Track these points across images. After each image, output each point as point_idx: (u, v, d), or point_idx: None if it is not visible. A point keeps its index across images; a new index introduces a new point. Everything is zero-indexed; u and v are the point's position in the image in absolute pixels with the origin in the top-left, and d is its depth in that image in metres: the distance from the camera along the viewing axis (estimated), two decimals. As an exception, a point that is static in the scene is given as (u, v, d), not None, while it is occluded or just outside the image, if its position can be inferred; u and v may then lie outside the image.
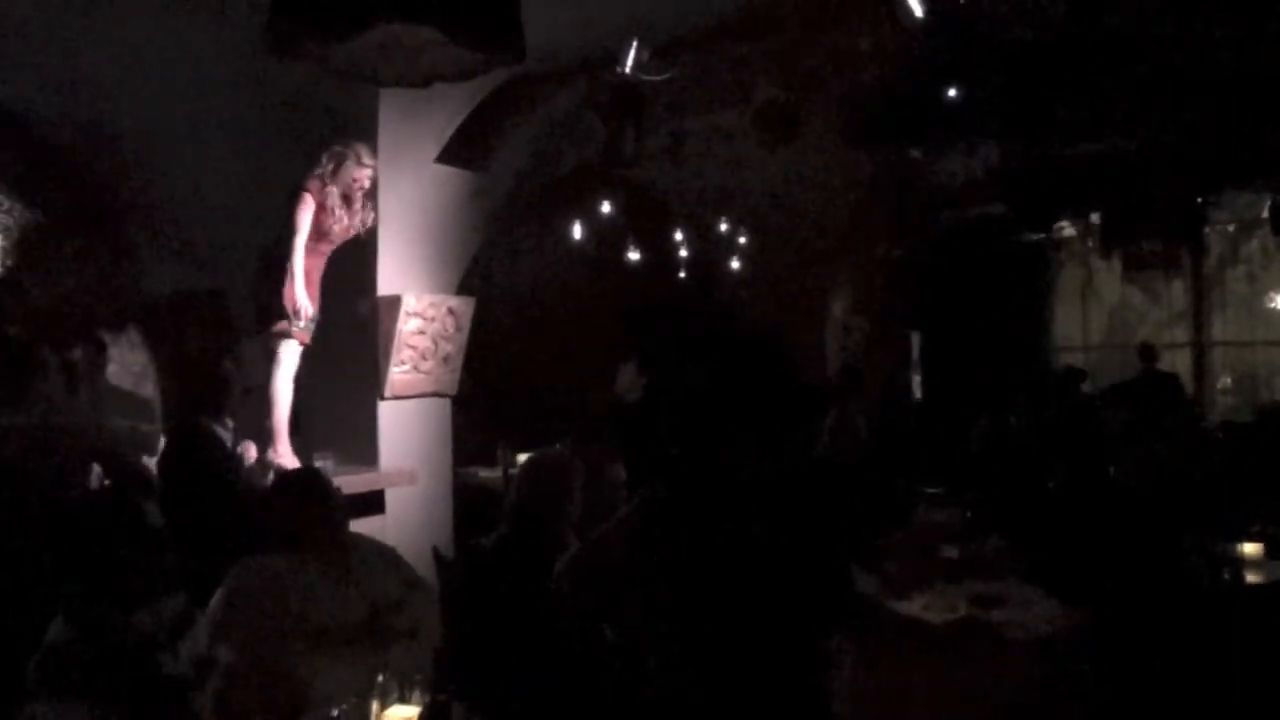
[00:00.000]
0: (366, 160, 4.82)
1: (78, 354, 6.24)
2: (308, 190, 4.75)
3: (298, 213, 4.74)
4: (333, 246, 4.98)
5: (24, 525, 3.67)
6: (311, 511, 3.15)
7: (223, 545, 3.20)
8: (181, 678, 2.46)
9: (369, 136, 4.99)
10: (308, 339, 4.86)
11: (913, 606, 3.69)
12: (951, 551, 4.37)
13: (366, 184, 4.83)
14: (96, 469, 4.28)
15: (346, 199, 4.82)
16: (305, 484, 3.29)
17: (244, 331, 5.91)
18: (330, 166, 4.77)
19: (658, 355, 7.19)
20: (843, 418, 7.14)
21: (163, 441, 4.99)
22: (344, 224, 4.87)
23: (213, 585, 2.94)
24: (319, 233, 4.83)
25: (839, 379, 8.47)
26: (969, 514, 4.99)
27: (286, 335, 4.80)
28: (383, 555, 3.34)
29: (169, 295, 6.55)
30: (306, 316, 4.80)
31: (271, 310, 4.80)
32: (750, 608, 2.64)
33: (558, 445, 7.34)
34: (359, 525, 4.38)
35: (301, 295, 4.75)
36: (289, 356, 4.85)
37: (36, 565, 3.56)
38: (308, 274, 4.80)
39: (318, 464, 5.07)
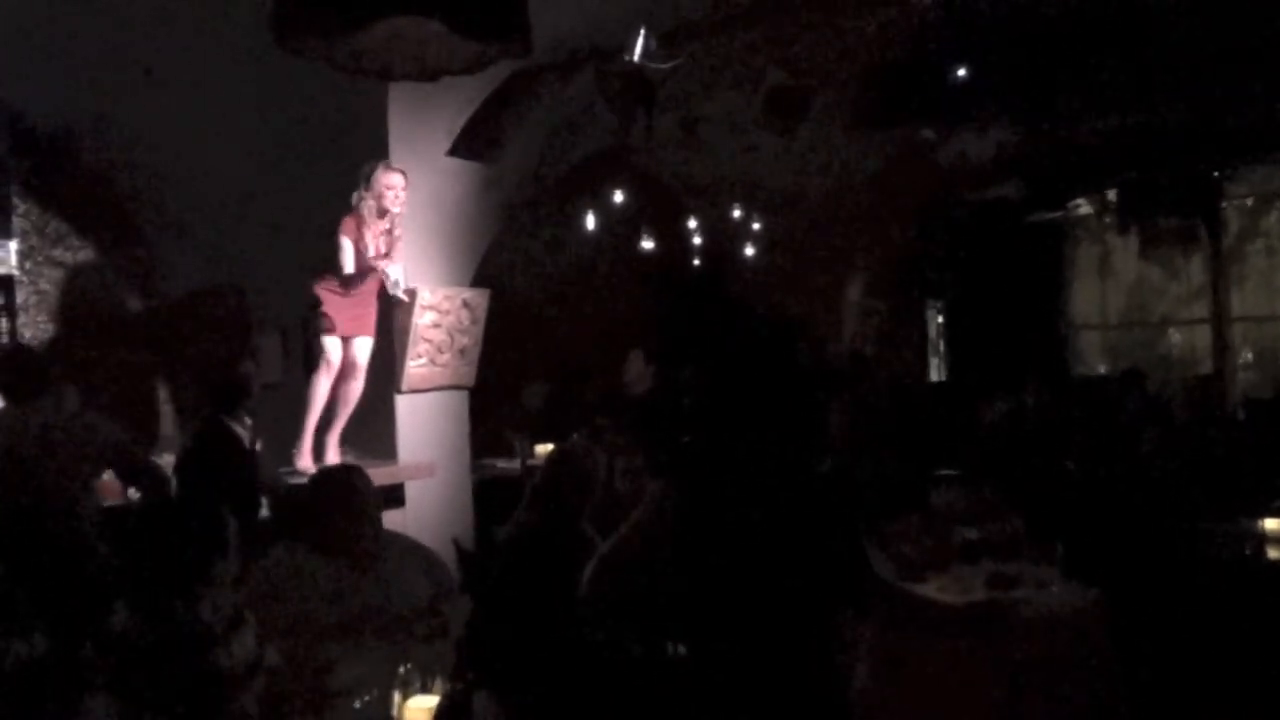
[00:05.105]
0: (394, 165, 4.85)
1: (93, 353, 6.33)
2: (344, 234, 4.82)
3: (340, 256, 4.85)
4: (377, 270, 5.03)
5: (43, 523, 3.71)
6: (345, 508, 3.16)
7: (242, 542, 3.22)
8: (232, 675, 2.50)
9: (379, 131, 5.01)
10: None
11: (929, 588, 3.69)
12: (969, 533, 4.36)
13: (401, 193, 4.84)
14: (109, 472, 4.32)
15: (382, 211, 4.84)
16: (343, 481, 3.28)
17: (261, 328, 5.97)
18: (362, 186, 4.83)
19: (670, 345, 7.19)
20: (855, 402, 7.12)
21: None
22: (381, 241, 4.92)
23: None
24: (363, 260, 4.88)
25: (849, 364, 8.46)
26: (987, 495, 4.97)
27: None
28: (418, 557, 3.35)
29: (187, 293, 6.61)
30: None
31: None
32: (768, 593, 2.65)
33: (574, 436, 7.39)
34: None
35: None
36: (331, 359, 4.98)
37: (54, 565, 3.62)
38: (364, 299, 4.95)
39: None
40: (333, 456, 4.97)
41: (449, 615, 3.20)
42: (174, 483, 4.33)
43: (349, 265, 4.82)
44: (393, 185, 4.84)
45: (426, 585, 3.25)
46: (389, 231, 4.90)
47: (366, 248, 4.84)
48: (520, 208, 6.89)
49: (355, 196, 4.82)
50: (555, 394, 8.33)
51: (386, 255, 4.97)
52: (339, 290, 4.87)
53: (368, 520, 3.19)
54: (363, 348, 5.00)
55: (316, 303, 4.89)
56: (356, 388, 5.02)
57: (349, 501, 3.18)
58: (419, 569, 3.30)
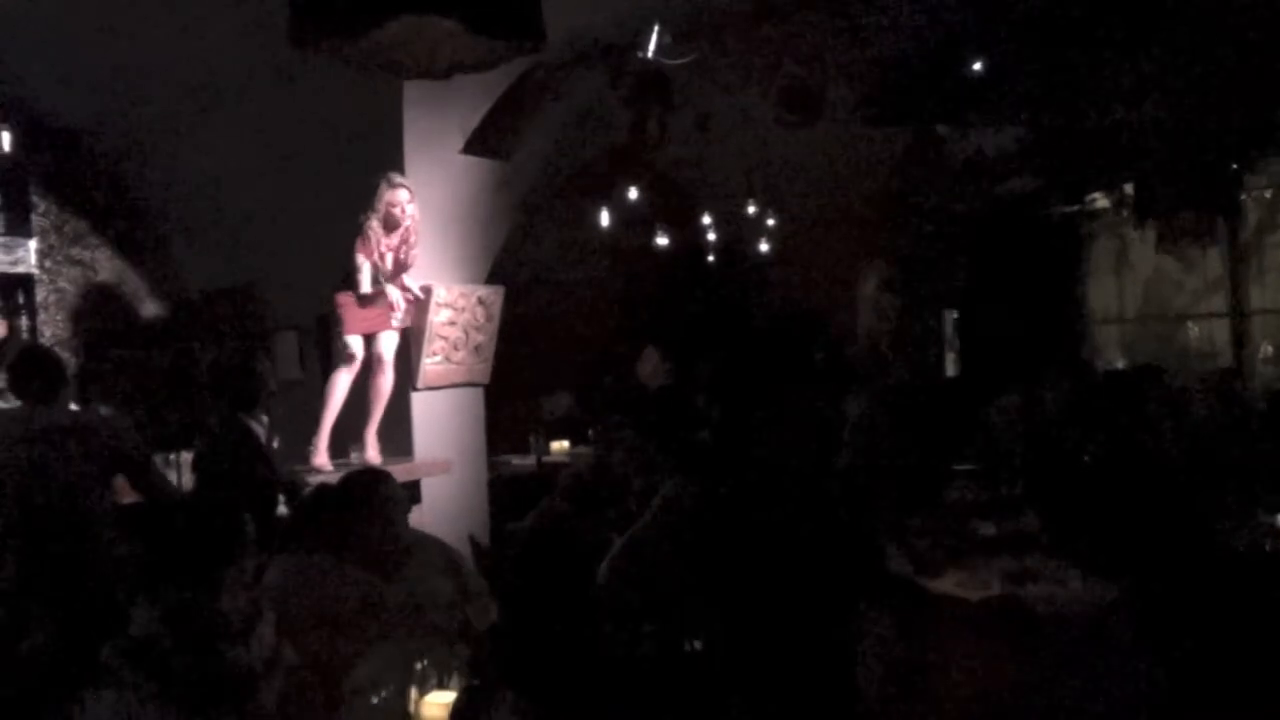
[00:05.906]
0: (397, 180, 4.87)
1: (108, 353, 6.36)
2: (360, 252, 4.86)
3: (356, 275, 4.90)
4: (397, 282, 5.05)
5: (61, 521, 3.73)
6: (371, 514, 3.17)
7: (259, 539, 3.23)
8: (251, 670, 2.51)
9: (394, 130, 5.02)
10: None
11: (946, 584, 3.68)
12: (987, 528, 4.35)
13: (408, 205, 4.85)
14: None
15: (389, 224, 4.85)
16: (371, 486, 3.29)
17: (277, 326, 5.99)
18: (370, 209, 4.85)
19: (686, 341, 7.18)
20: (871, 398, 7.10)
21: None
22: (396, 255, 4.93)
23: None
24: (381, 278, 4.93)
25: (865, 360, 8.44)
26: (1004, 490, 4.96)
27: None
28: (446, 559, 3.36)
29: (204, 292, 6.64)
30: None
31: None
32: (783, 589, 2.65)
33: (590, 432, 7.40)
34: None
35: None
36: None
37: (72, 563, 3.64)
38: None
39: (352, 456, 5.14)
40: (372, 452, 5.01)
41: (471, 615, 3.21)
42: (183, 488, 4.35)
43: (365, 285, 4.88)
44: (397, 201, 4.85)
45: (449, 588, 3.26)
46: (404, 243, 4.92)
47: (383, 265, 4.86)
48: (534, 205, 6.90)
49: (362, 218, 4.84)
50: (578, 403, 8.39)
51: (403, 267, 5.00)
52: (357, 304, 4.92)
53: (393, 526, 3.20)
54: (388, 342, 5.03)
55: (336, 308, 4.93)
56: (386, 382, 5.06)
57: (375, 508, 3.19)
58: (443, 571, 3.31)
